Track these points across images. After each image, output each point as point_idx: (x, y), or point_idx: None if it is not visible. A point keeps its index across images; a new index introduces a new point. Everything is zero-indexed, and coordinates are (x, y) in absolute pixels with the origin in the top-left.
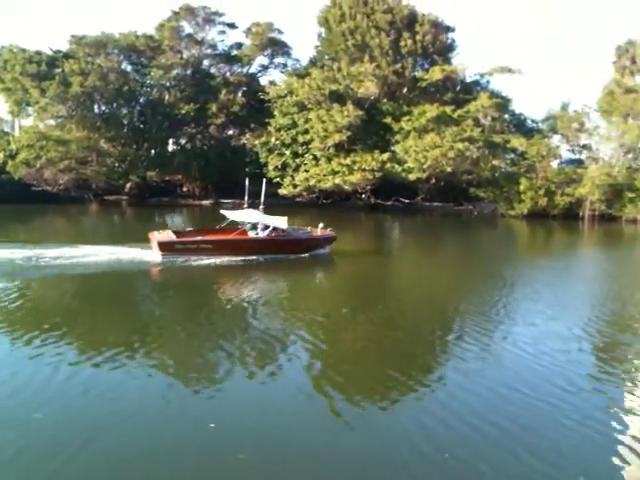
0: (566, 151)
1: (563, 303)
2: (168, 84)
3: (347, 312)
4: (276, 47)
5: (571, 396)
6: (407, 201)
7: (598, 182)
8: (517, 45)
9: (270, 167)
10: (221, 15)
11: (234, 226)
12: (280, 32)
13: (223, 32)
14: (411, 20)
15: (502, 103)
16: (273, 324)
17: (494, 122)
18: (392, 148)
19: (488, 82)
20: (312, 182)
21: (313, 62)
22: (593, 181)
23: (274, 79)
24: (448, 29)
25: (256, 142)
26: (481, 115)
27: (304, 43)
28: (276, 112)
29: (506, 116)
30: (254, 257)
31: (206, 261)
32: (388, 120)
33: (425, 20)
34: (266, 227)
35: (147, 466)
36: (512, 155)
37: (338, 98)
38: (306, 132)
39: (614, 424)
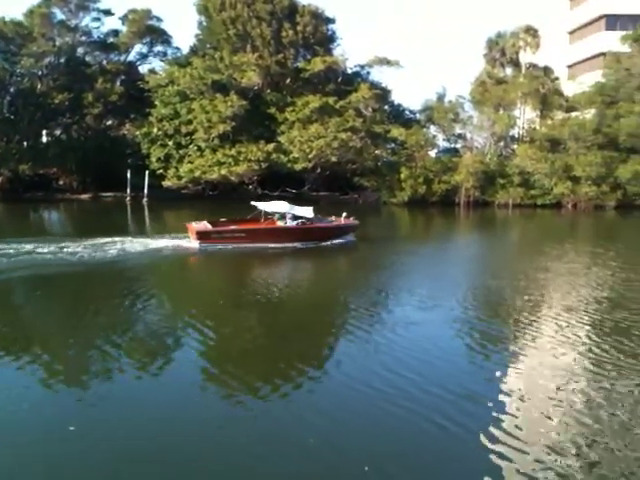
0: (443, 140)
1: (432, 290)
2: (40, 73)
3: (225, 304)
4: (155, 35)
5: (438, 386)
6: (294, 191)
7: (472, 170)
8: (396, 37)
9: (153, 158)
10: (96, 1)
11: (264, 216)
12: (159, 20)
13: (98, 19)
14: (292, 11)
15: (382, 94)
16: (173, 318)
17: (375, 113)
18: (277, 138)
19: (368, 73)
20: (197, 173)
21: (194, 51)
22: (468, 169)
23: (154, 68)
24: (328, 20)
25: (137, 133)
26: (362, 106)
27: (184, 31)
28: (157, 102)
29: (386, 107)
30: (284, 245)
31: (238, 249)
32: (272, 111)
33: (305, 11)
34: (294, 217)
35: None
36: (393, 145)
37: (221, 88)
38: (189, 122)
39: (465, 414)
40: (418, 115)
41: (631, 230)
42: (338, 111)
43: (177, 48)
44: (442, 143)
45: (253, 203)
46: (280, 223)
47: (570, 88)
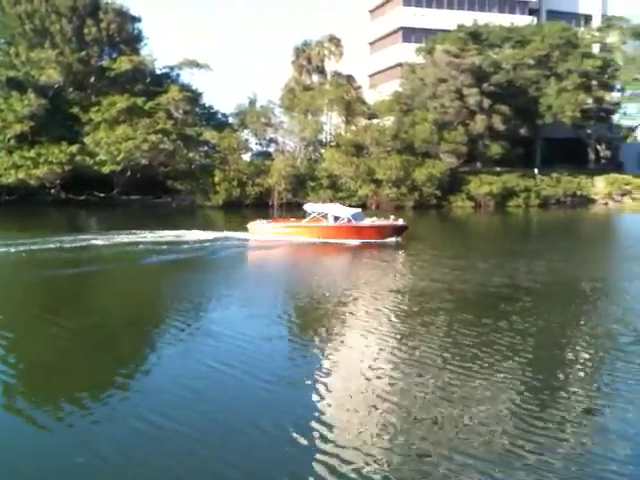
0: (256, 144)
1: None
2: None
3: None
4: None
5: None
6: (102, 195)
7: (284, 173)
8: (209, 40)
9: None
10: None
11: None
12: None
13: None
14: (95, 7)
15: (193, 97)
16: None
17: (186, 115)
18: (82, 140)
19: (178, 75)
20: None
21: None
22: (280, 172)
23: None
24: (134, 19)
25: None
26: (173, 108)
27: None
28: None
29: (198, 109)
30: (326, 240)
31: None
32: (75, 110)
33: (109, 8)
34: (335, 217)
35: None
36: (206, 148)
37: (17, 85)
38: None
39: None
40: (231, 119)
41: (419, 229)
42: (147, 112)
43: None
44: (255, 147)
45: (304, 206)
46: (325, 223)
47: (372, 96)
